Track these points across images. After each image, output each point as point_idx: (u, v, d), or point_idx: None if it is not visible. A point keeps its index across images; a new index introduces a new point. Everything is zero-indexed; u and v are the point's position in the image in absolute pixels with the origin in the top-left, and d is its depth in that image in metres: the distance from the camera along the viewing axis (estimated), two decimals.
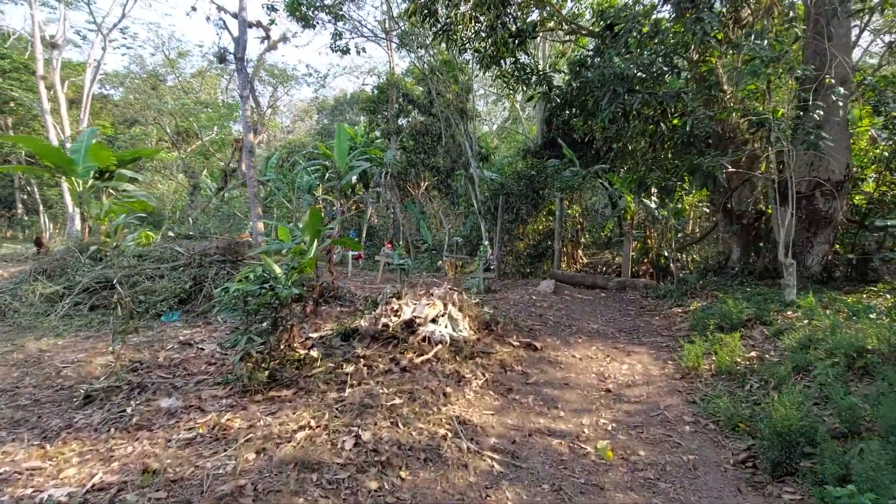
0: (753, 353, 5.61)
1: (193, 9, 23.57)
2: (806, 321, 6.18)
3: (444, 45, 10.55)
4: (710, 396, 4.77)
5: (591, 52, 9.74)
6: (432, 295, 6.10)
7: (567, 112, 16.30)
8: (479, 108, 30.23)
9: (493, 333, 5.99)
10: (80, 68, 25.52)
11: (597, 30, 10.65)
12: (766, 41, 7.42)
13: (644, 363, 5.98)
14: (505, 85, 10.24)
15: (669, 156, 10.01)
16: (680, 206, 13.72)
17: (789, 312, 6.78)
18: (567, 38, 14.22)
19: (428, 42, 14.10)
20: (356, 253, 12.82)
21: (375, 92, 23.03)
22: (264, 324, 4.56)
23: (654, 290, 10.43)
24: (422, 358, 4.82)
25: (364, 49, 12.46)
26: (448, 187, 19.24)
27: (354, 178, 21.21)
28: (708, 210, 18.23)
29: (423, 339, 5.08)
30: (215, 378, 4.78)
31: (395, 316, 5.36)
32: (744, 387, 4.82)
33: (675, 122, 9.76)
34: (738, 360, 5.44)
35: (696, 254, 15.89)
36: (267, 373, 4.50)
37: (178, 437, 3.48)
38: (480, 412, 4.20)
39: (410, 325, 5.24)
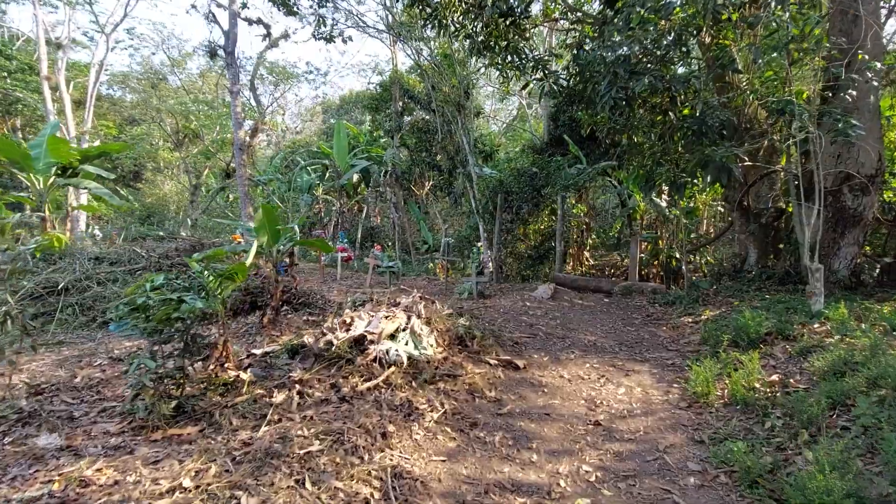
0: (775, 377, 4.62)
1: (193, 6, 23.08)
2: (837, 337, 5.17)
3: (435, 31, 9.67)
4: (722, 435, 3.80)
5: (591, 35, 8.77)
6: (397, 304, 5.23)
7: (573, 107, 15.41)
8: (486, 108, 29.30)
9: (467, 350, 5.09)
10: (87, 69, 25.22)
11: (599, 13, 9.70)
12: (787, 13, 6.40)
13: (644, 386, 5.02)
14: (499, 73, 9.31)
15: (679, 149, 9.01)
16: (693, 204, 12.65)
17: (816, 325, 5.76)
18: (573, 27, 13.25)
19: (421, 31, 13.26)
20: (345, 255, 12.04)
21: (379, 90, 22.28)
22: (169, 344, 3.73)
23: (663, 296, 9.41)
24: (368, 384, 3.94)
25: (350, 38, 11.69)
26: (450, 186, 18.37)
27: (356, 178, 20.49)
28: (723, 209, 17.09)
29: (374, 360, 4.20)
30: (125, 406, 3.95)
31: (346, 331, 4.49)
32: (764, 424, 3.83)
33: (686, 111, 8.78)
34: (757, 385, 4.46)
35: (711, 256, 14.78)
36: (175, 403, 3.66)
37: (21, 498, 2.66)
38: (428, 458, 3.30)
39: (361, 343, 4.37)
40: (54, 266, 7.36)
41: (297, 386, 3.95)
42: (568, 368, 5.42)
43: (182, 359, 3.72)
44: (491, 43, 8.81)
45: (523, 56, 8.39)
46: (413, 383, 4.09)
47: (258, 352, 4.88)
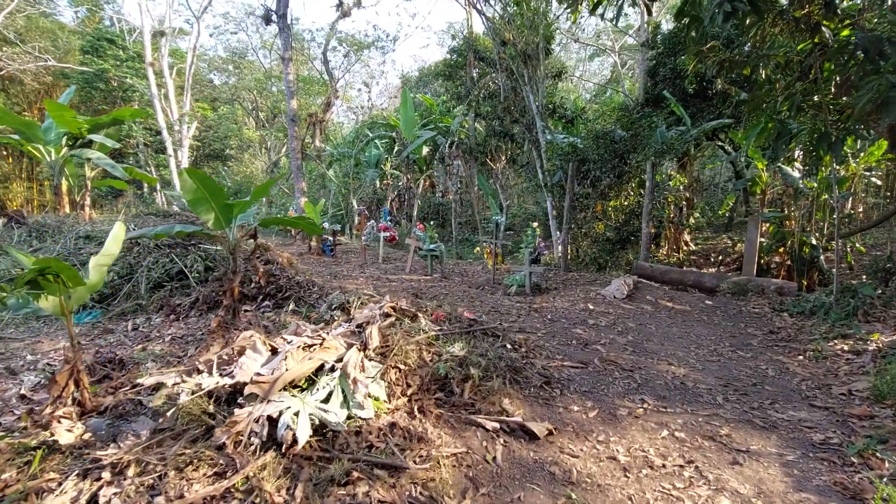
0: None
1: None
2: None
3: None
4: None
5: None
6: (351, 319, 3.28)
7: (674, 58, 12.20)
8: (578, 72, 25.86)
9: (451, 401, 3.01)
10: (185, 55, 25.98)
11: None
12: None
13: (772, 495, 2.61)
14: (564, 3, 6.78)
15: (832, 88, 5.99)
16: (842, 172, 9.11)
17: None
18: None
19: None
20: (388, 234, 10.34)
21: (454, 56, 20.13)
22: None
23: (796, 302, 6.48)
24: (214, 487, 2.07)
25: None
26: (523, 157, 15.91)
27: (426, 151, 18.72)
28: (880, 182, 12.88)
29: (248, 433, 2.31)
30: None
31: (227, 376, 2.65)
32: None
33: (846, 32, 5.73)
34: None
35: (861, 243, 10.98)
36: None
37: None
38: None
39: (237, 397, 2.51)
40: (41, 244, 6.42)
41: (106, 475, 2.20)
42: (627, 437, 3.14)
43: None
44: None
45: None
46: (298, 488, 2.14)
47: (148, 382, 3.22)
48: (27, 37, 24.05)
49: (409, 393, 2.86)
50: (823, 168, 7.88)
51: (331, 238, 10.95)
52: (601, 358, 4.39)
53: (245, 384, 2.48)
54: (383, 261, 10.10)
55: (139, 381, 3.27)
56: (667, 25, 16.92)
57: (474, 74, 18.30)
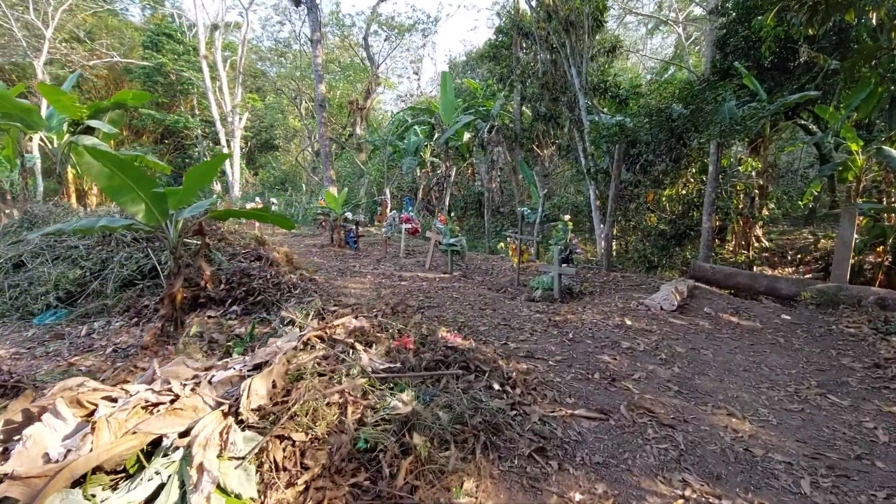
0: None
1: None
2: None
3: None
4: None
5: None
6: (257, 348, 2.31)
7: (747, 24, 10.32)
8: (635, 50, 23.57)
9: (377, 488, 1.98)
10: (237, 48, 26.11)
11: None
12: None
13: None
14: None
15: None
16: None
17: None
18: None
19: None
20: (410, 226, 9.36)
21: (500, 36, 18.73)
22: None
23: None
24: None
25: None
26: (571, 141, 14.36)
27: (467, 136, 17.57)
28: None
29: None
30: None
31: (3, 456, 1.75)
32: None
33: None
34: None
35: None
36: None
37: None
38: None
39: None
40: (28, 234, 5.99)
41: None
42: None
43: None
44: None
45: None
46: None
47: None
48: (96, 34, 25.01)
49: (303, 480, 1.85)
50: None
51: (353, 229, 10.15)
52: (631, 403, 3.17)
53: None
54: (405, 255, 9.16)
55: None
56: None
57: (520, 54, 16.87)
